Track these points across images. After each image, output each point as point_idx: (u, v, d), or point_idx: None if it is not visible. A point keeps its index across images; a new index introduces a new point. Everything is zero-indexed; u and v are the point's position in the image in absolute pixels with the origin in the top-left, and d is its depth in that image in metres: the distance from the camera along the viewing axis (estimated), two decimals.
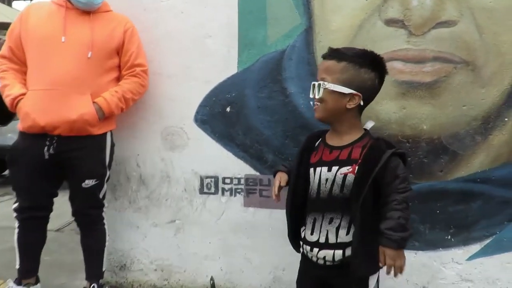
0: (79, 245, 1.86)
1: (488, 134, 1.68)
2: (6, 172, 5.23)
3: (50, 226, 2.17)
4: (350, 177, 1.20)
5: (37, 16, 1.70)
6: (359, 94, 1.20)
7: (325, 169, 1.24)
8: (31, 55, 1.68)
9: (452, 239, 1.71)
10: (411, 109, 1.73)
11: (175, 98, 1.93)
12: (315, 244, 1.25)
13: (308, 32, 1.81)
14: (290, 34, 1.82)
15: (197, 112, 1.91)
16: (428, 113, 1.71)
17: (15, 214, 1.73)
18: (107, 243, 1.84)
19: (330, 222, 1.23)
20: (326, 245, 1.23)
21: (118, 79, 1.80)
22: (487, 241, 1.67)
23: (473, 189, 1.68)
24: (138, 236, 2.01)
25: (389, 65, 1.72)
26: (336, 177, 1.22)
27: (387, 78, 1.72)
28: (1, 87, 1.69)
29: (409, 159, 1.71)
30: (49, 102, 1.60)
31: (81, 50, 1.66)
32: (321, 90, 1.22)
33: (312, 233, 1.27)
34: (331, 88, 1.20)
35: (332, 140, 1.29)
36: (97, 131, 1.70)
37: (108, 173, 1.80)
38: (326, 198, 1.24)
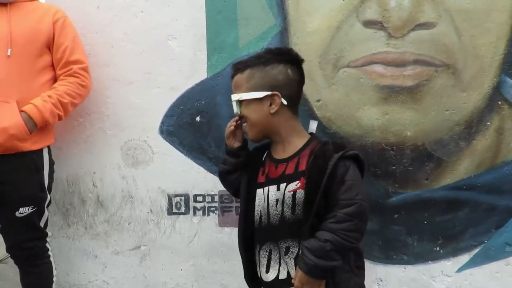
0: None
1: (471, 139, 1.62)
2: None
3: None
4: (300, 194, 1.02)
5: None
6: (275, 93, 1.06)
7: (273, 188, 1.07)
8: None
9: (441, 251, 1.63)
10: (394, 114, 1.64)
11: (136, 107, 1.71)
12: (275, 283, 1.05)
13: (283, 34, 1.67)
14: (264, 36, 1.68)
15: (162, 123, 1.71)
16: (411, 119, 1.63)
17: None
18: (55, 278, 1.55)
19: (286, 253, 1.04)
20: (288, 283, 1.03)
21: (54, 81, 1.53)
22: (476, 250, 1.61)
23: (459, 196, 1.62)
24: (96, 266, 1.75)
25: (369, 68, 1.68)
26: (285, 196, 1.04)
27: (367, 83, 1.67)
28: None
29: (393, 167, 1.63)
30: None
31: None
32: (237, 106, 1.10)
33: (268, 270, 1.07)
34: (243, 98, 1.07)
35: (277, 152, 1.13)
36: (29, 146, 1.41)
37: (48, 197, 1.52)
38: (277, 223, 1.05)
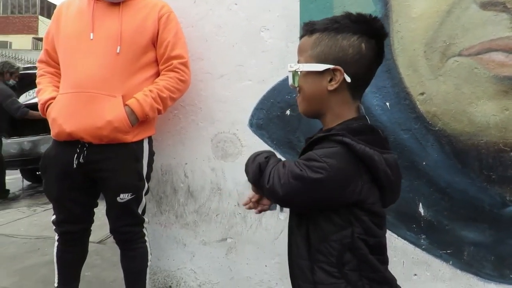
0: None
1: None
2: None
3: (91, 237, 2.02)
4: None
5: (67, 13, 1.55)
6: (338, 67, 0.86)
7: None
8: (61, 56, 1.53)
9: None
10: None
11: (227, 100, 1.71)
12: None
13: (384, 21, 1.52)
14: None
15: (252, 116, 1.69)
16: None
17: (54, 227, 1.59)
18: (149, 263, 1.63)
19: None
20: None
21: (157, 75, 1.58)
22: None
23: None
24: (185, 255, 1.80)
25: (486, 57, 1.46)
26: None
27: (483, 74, 1.45)
28: (36, 93, 1.57)
29: None
30: (75, 107, 1.42)
31: (109, 46, 1.46)
32: (293, 76, 0.91)
33: None
34: (301, 70, 0.90)
35: None
36: (131, 138, 1.49)
37: (146, 185, 1.59)
38: None
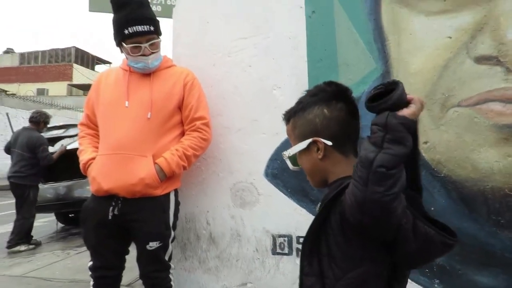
0: None
1: None
2: None
3: (122, 280, 2.17)
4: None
5: (106, 83, 1.78)
6: (315, 139, 0.96)
7: None
8: (100, 121, 1.75)
9: None
10: None
11: (244, 152, 1.86)
12: None
13: (385, 76, 1.67)
14: (365, 80, 1.70)
15: (267, 166, 1.82)
16: None
17: (89, 273, 1.73)
18: None
19: None
20: None
21: (183, 134, 1.77)
22: None
23: None
24: None
25: (484, 107, 1.56)
26: None
27: (483, 123, 1.54)
28: (78, 152, 1.78)
29: None
30: (112, 167, 1.62)
31: (141, 112, 1.66)
32: (291, 160, 1.04)
33: None
34: (292, 153, 1.02)
35: None
36: (160, 192, 1.67)
37: (172, 234, 1.74)
38: None
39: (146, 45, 1.65)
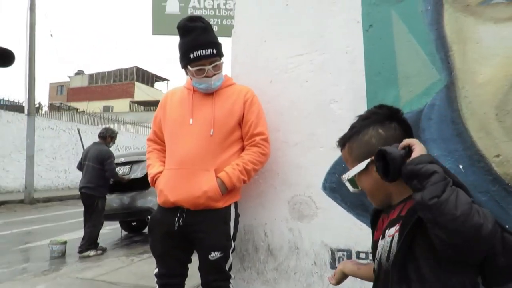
0: None
1: None
2: (146, 230, 5.87)
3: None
4: (396, 238, 0.92)
5: (172, 101, 1.91)
6: (372, 158, 0.99)
7: (382, 239, 1.01)
8: (167, 137, 1.87)
9: None
10: None
11: (302, 165, 1.88)
12: None
13: (450, 88, 1.61)
14: (427, 92, 1.65)
15: (325, 180, 1.82)
16: None
17: (155, 279, 1.84)
18: None
19: None
20: None
21: (243, 149, 1.84)
22: None
23: None
24: None
25: None
26: (385, 241, 0.97)
27: None
28: (147, 166, 1.93)
29: None
30: (178, 181, 1.73)
31: (204, 129, 1.76)
32: (351, 183, 1.09)
33: None
34: (351, 175, 1.06)
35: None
36: (221, 204, 1.74)
37: (233, 245, 1.80)
38: (377, 273, 1.01)
39: (210, 67, 1.76)
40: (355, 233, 1.73)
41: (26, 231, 6.56)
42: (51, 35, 23.53)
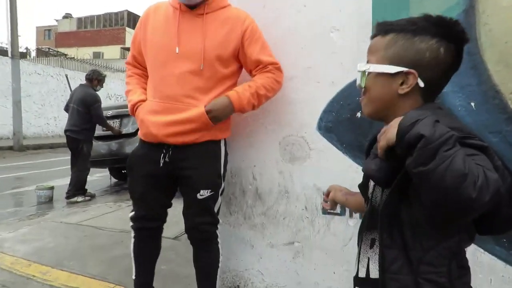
0: None
1: None
2: None
3: (167, 233, 2.15)
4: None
5: (155, 20, 1.62)
6: (412, 71, 0.81)
7: None
8: (149, 64, 1.63)
9: None
10: None
11: (295, 102, 1.70)
12: (355, 281, 0.92)
13: (468, 13, 1.39)
14: None
15: (320, 119, 1.65)
16: None
17: (131, 223, 1.70)
18: (220, 264, 1.68)
19: (371, 246, 0.86)
20: (366, 283, 0.86)
21: (235, 86, 1.63)
22: None
23: None
24: (253, 256, 1.83)
25: None
26: None
27: None
28: (125, 92, 1.72)
29: None
30: (162, 115, 1.53)
31: (193, 62, 1.52)
32: (362, 77, 0.87)
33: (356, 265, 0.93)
34: (372, 71, 0.85)
35: None
36: (209, 137, 1.56)
37: (223, 185, 1.64)
38: (369, 209, 0.90)
39: None
40: (350, 176, 1.58)
41: (15, 177, 6.46)
42: None
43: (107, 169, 6.00)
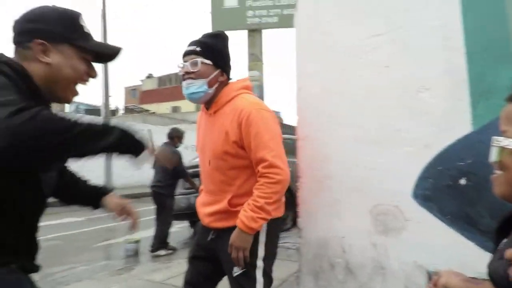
0: None
1: None
2: None
3: None
4: None
5: (200, 120, 1.75)
6: None
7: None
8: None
9: None
10: None
11: (384, 168, 1.57)
12: None
13: None
14: None
15: (416, 186, 1.49)
16: None
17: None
18: None
19: None
20: None
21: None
22: None
23: None
24: None
25: None
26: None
27: None
28: None
29: None
30: (207, 206, 1.65)
31: (212, 159, 1.59)
32: (499, 150, 0.73)
33: None
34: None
35: None
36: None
37: (262, 265, 1.55)
38: None
39: (188, 64, 1.54)
40: (460, 253, 1.38)
41: (106, 228, 6.98)
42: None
43: (186, 221, 6.21)
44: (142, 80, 38.38)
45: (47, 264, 1.35)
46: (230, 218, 1.55)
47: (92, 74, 1.08)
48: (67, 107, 14.64)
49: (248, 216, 1.48)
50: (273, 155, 1.48)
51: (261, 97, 4.44)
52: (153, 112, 22.24)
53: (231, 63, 1.65)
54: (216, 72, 1.57)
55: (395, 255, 1.53)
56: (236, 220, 1.51)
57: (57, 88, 1.02)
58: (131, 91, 39.68)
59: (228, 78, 1.63)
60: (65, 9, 1.05)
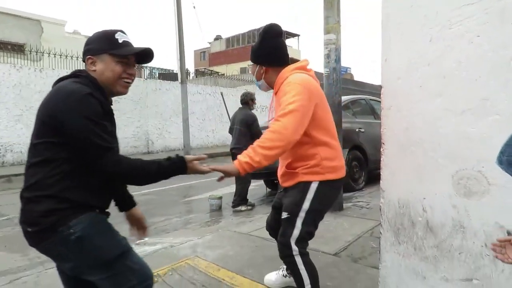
0: (357, 273, 2.02)
1: None
2: None
3: (327, 249, 2.66)
4: None
5: (271, 102, 2.32)
6: None
7: None
8: None
9: None
10: None
11: (471, 136, 1.65)
12: None
13: None
14: None
15: (501, 153, 1.56)
16: None
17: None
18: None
19: None
20: None
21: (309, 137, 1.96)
22: None
23: None
24: (425, 287, 1.83)
25: None
26: None
27: None
28: None
29: None
30: (279, 169, 2.22)
31: None
32: None
33: None
34: None
35: None
36: (300, 179, 2.01)
37: (303, 216, 1.95)
38: None
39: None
40: None
41: (188, 185, 7.73)
42: (194, 7, 25.71)
43: (262, 181, 6.64)
44: (210, 43, 39.08)
45: (147, 215, 1.71)
46: (290, 179, 2.05)
47: (129, 72, 1.49)
48: (142, 73, 15.65)
49: (246, 155, 1.80)
50: (284, 111, 1.82)
51: (338, 59, 4.46)
52: (223, 74, 22.80)
53: (273, 49, 2.06)
54: (257, 68, 2.11)
55: (476, 215, 1.64)
56: (295, 180, 2.00)
57: (108, 85, 1.45)
58: (200, 54, 40.78)
59: (271, 65, 2.07)
60: (105, 30, 1.48)
